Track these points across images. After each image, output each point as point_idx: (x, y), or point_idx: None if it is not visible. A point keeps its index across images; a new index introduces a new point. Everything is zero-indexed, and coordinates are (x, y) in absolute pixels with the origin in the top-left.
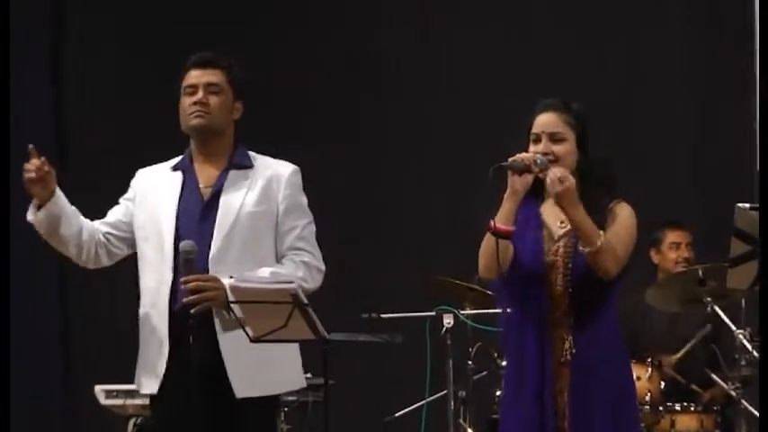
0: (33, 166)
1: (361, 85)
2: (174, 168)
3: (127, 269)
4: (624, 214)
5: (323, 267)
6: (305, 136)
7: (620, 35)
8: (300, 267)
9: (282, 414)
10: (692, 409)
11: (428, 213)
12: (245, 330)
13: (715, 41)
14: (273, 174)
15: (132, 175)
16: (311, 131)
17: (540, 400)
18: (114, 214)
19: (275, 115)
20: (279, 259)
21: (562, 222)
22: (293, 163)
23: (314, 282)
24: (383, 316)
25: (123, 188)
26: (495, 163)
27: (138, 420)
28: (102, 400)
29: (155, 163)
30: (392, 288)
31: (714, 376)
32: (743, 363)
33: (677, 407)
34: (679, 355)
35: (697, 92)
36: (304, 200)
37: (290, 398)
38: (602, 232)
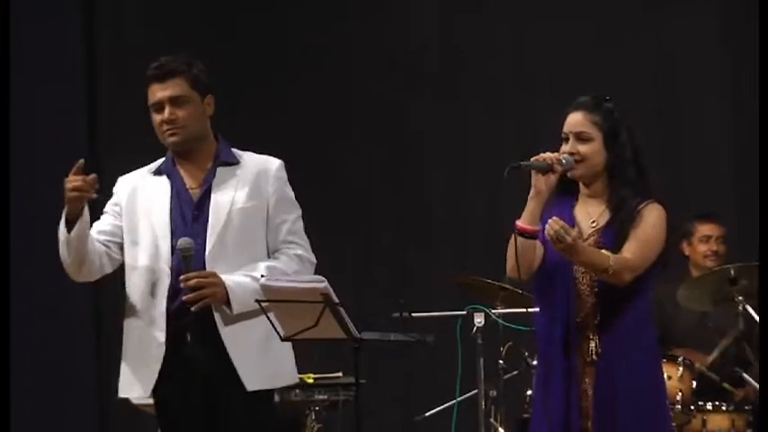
0: (85, 183)
1: (393, 83)
2: (157, 173)
3: None
4: (651, 217)
5: (314, 260)
6: (339, 134)
7: (656, 28)
8: (294, 260)
9: (313, 413)
10: (724, 408)
11: (460, 212)
12: (275, 328)
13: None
14: (260, 169)
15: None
16: (346, 129)
17: (565, 399)
18: (108, 222)
19: (299, 111)
20: (271, 253)
21: (593, 222)
22: (331, 162)
23: (307, 274)
24: (414, 315)
25: None
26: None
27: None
28: (134, 400)
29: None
30: (423, 287)
31: (746, 375)
32: None
33: (709, 406)
34: (713, 356)
35: (738, 86)
36: (291, 193)
37: (321, 396)
38: (609, 254)
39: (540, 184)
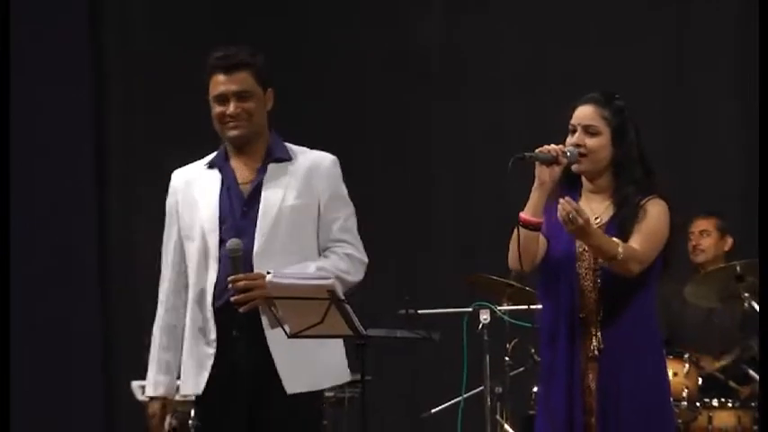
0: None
1: (401, 82)
2: (210, 166)
3: None
4: (654, 212)
5: (366, 259)
6: (344, 132)
7: (662, 27)
8: (344, 259)
9: None
10: (730, 405)
11: (465, 210)
12: (281, 326)
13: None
14: (313, 165)
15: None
16: (354, 128)
17: (568, 395)
18: (176, 251)
19: (310, 112)
20: (321, 251)
21: (597, 218)
22: (337, 157)
23: (357, 274)
24: (420, 312)
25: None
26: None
27: (175, 416)
28: (140, 396)
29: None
30: (429, 284)
31: (752, 372)
32: None
33: (714, 403)
34: (723, 362)
35: (745, 83)
36: (345, 190)
37: (328, 393)
38: (619, 242)
39: (544, 176)
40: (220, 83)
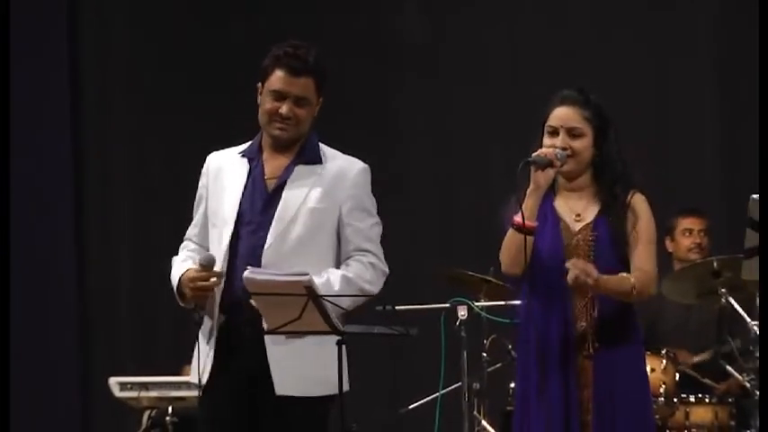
0: (213, 284)
1: (380, 75)
2: (243, 155)
3: (146, 260)
4: (644, 214)
5: (387, 270)
6: (322, 126)
7: (646, 26)
8: (369, 269)
9: None
10: (707, 401)
11: (443, 205)
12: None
13: (744, 28)
14: (340, 172)
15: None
16: (328, 123)
17: (565, 393)
18: (194, 222)
19: None
20: (343, 259)
21: (578, 216)
22: None
23: (378, 285)
24: (397, 308)
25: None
26: (509, 157)
27: (153, 413)
28: (117, 393)
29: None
30: (406, 280)
31: (729, 368)
32: (757, 354)
33: (692, 399)
34: (698, 359)
35: (724, 80)
36: (370, 199)
37: None
38: (628, 276)
39: (540, 179)
40: (284, 81)
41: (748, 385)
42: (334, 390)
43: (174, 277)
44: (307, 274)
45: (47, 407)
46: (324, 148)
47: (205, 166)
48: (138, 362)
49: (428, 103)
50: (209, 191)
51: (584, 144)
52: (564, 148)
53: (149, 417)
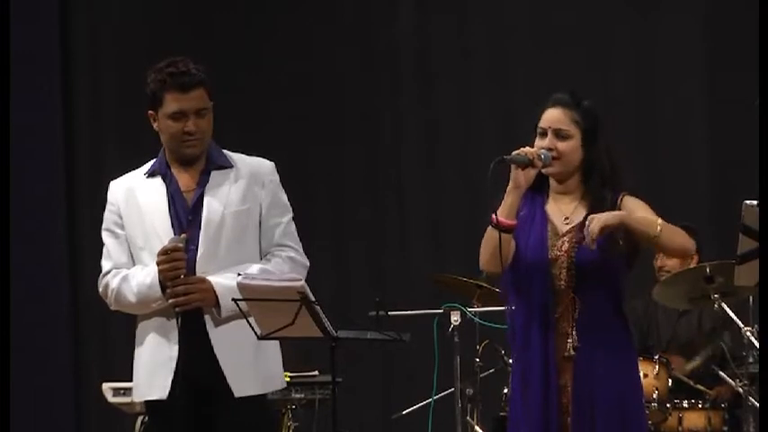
0: (182, 261)
1: (370, 82)
2: (151, 174)
3: None
4: (639, 203)
5: (307, 262)
6: (314, 132)
7: (635, 32)
8: (287, 263)
9: (290, 412)
10: (700, 406)
11: (436, 211)
12: (252, 328)
13: (732, 37)
14: (253, 171)
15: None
16: (323, 129)
17: (544, 395)
18: (120, 250)
19: (281, 107)
20: (263, 255)
21: (566, 218)
22: (307, 158)
23: (299, 277)
24: (391, 313)
25: None
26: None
27: (146, 419)
28: (110, 398)
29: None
30: (400, 285)
31: (722, 374)
32: (750, 360)
33: (685, 404)
34: (692, 365)
35: (712, 88)
36: (284, 196)
37: (298, 395)
38: (658, 219)
39: (520, 178)
40: (179, 100)
41: (741, 391)
42: (278, 386)
43: (147, 276)
44: (300, 280)
45: (40, 412)
46: (227, 152)
47: (110, 194)
48: (131, 368)
49: (418, 110)
50: (123, 217)
51: (570, 146)
52: (550, 149)
53: (142, 422)
